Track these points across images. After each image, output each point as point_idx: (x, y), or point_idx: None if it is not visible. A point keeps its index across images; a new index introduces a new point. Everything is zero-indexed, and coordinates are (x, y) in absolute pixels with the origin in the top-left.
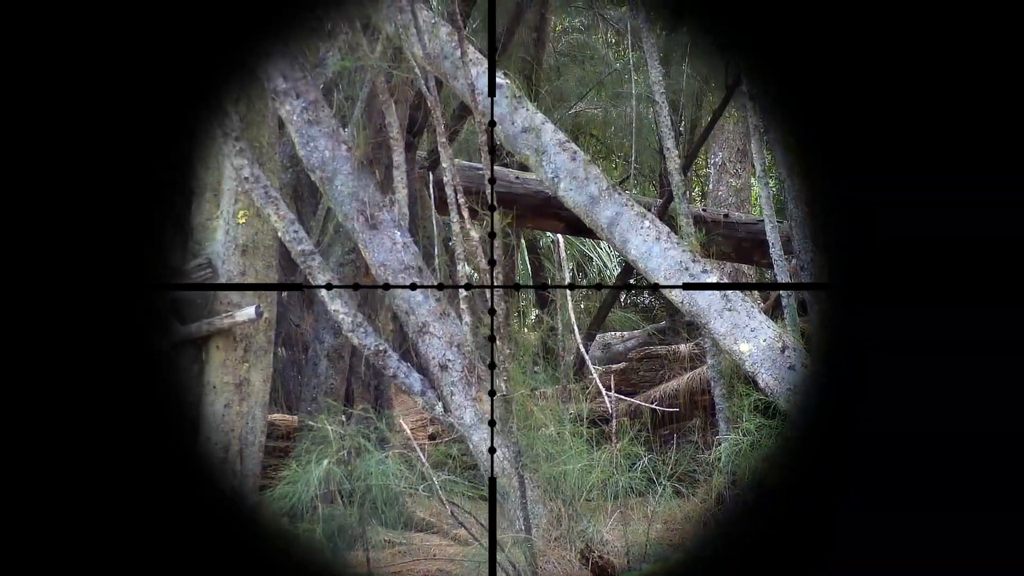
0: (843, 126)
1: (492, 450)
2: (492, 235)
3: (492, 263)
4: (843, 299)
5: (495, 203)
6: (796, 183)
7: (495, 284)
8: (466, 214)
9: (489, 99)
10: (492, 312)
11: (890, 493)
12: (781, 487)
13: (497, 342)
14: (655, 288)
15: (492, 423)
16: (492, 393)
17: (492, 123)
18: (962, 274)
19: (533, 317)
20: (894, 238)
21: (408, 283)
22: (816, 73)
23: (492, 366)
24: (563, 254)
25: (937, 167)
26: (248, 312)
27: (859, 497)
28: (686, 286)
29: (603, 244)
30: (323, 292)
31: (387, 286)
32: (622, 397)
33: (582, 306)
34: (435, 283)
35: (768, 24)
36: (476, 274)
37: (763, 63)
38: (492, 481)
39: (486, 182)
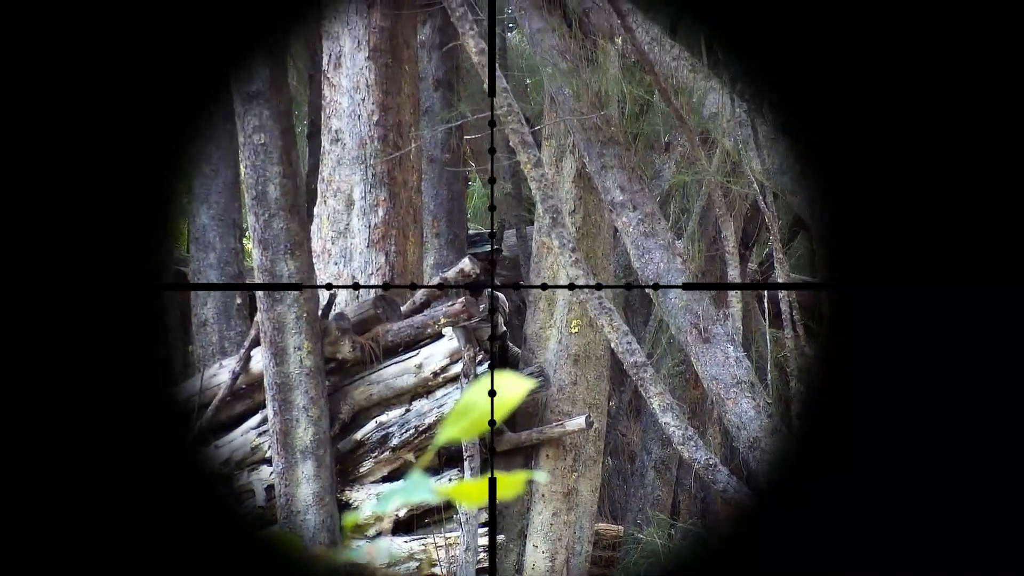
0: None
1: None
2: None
3: (493, 263)
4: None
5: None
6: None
7: (494, 284)
8: (800, 331)
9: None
10: (492, 311)
11: (892, 492)
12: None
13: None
14: (654, 288)
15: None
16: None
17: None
18: (963, 272)
19: None
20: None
21: (740, 398)
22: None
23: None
24: None
25: (939, 166)
26: (578, 421)
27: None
28: (685, 286)
29: None
30: (654, 405)
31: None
32: None
33: None
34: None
35: (769, 27)
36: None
37: (760, 66)
38: (492, 480)
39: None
